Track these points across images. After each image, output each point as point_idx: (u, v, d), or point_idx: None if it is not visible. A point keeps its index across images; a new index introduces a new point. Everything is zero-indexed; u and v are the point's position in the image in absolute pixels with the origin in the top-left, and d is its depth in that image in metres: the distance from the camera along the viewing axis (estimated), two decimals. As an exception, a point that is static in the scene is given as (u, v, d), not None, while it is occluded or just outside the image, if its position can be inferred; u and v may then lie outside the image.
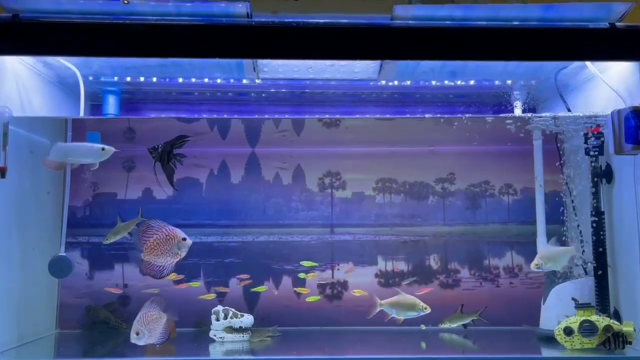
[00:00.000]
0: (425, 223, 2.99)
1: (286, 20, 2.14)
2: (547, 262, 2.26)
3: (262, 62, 2.58)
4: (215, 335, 2.45)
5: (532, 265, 2.35)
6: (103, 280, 2.87)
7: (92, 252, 2.90)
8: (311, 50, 2.19)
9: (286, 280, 2.92)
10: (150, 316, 2.14)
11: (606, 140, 2.43)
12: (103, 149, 2.28)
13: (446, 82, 2.86)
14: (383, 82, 2.84)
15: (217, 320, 2.46)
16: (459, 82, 2.87)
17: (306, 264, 2.81)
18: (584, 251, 2.57)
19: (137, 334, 2.11)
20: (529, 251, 2.85)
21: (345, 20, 2.17)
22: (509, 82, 2.85)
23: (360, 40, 2.16)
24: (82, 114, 2.53)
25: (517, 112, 2.83)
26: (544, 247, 2.72)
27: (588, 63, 2.44)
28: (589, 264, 2.46)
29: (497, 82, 2.86)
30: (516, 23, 2.20)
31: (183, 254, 2.10)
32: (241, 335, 2.45)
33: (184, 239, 2.10)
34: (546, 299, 2.53)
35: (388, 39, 2.17)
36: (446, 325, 2.43)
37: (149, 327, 2.11)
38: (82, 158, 2.30)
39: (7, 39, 2.06)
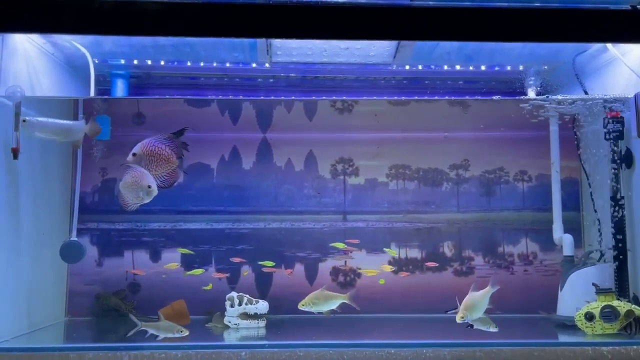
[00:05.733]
0: (439, 210, 2.96)
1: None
2: (471, 313, 2.05)
3: (276, 44, 2.54)
4: (229, 322, 2.41)
5: (458, 319, 2.06)
6: (113, 267, 2.83)
7: (101, 238, 2.85)
8: (329, 30, 2.14)
9: (298, 267, 2.88)
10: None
11: (627, 123, 2.41)
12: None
13: (461, 67, 2.82)
14: (397, 67, 2.79)
15: (232, 306, 2.42)
16: (472, 68, 2.83)
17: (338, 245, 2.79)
18: (601, 238, 2.55)
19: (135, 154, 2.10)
20: (544, 238, 2.84)
21: (365, 0, 2.12)
22: (524, 67, 2.81)
23: (379, 20, 2.12)
24: (92, 93, 2.48)
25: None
26: (559, 234, 2.71)
27: (609, 45, 2.42)
28: (608, 250, 2.43)
29: (512, 68, 2.82)
30: (537, 4, 2.16)
31: (146, 201, 2.08)
32: (256, 321, 2.41)
33: (149, 187, 2.06)
34: (564, 286, 2.50)
35: (408, 19, 2.13)
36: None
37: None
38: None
39: (18, 17, 1.99)
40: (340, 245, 2.78)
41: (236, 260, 2.78)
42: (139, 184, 2.04)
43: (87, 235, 2.81)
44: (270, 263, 2.76)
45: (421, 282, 2.88)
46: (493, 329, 2.08)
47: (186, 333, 2.11)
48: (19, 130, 2.05)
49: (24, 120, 2.11)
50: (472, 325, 2.07)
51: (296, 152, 2.97)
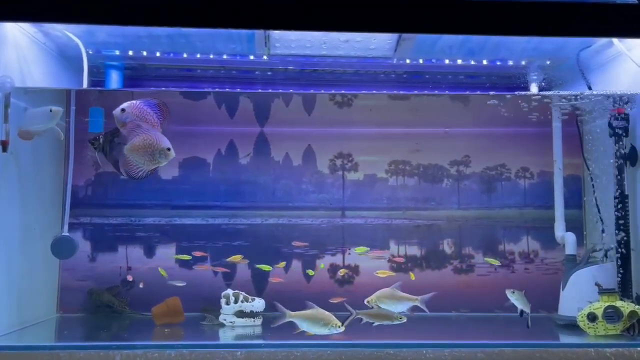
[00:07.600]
0: (439, 207, 2.91)
1: (304, -11, 2.03)
2: (381, 302, 2.09)
3: (275, 36, 2.48)
4: (225, 320, 2.37)
5: (365, 301, 2.13)
6: (106, 262, 2.77)
7: (94, 233, 2.79)
8: (329, 21, 2.08)
9: (296, 264, 2.83)
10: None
11: (632, 120, 2.36)
12: (51, 110, 2.11)
13: (462, 62, 2.77)
14: (397, 60, 2.74)
15: (227, 304, 2.37)
16: (473, 63, 2.78)
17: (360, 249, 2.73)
18: (604, 236, 2.51)
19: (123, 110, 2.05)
20: (546, 236, 2.80)
21: (366, -9, 2.06)
22: (527, 62, 2.76)
23: (380, 11, 2.06)
24: (85, 85, 2.42)
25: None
26: (561, 232, 2.67)
27: (615, 40, 2.37)
28: (612, 249, 2.39)
29: (514, 63, 2.77)
30: (542, -3, 2.11)
31: (162, 164, 2.00)
32: (252, 319, 2.36)
33: (168, 149, 1.98)
34: (566, 285, 2.46)
35: (410, 11, 2.07)
36: None
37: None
38: (34, 124, 2.12)
39: (8, 4, 1.93)
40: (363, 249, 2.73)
41: (198, 254, 2.71)
42: (155, 146, 1.95)
43: (79, 230, 2.76)
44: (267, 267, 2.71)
45: (420, 280, 2.84)
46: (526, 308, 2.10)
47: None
48: (8, 122, 1.99)
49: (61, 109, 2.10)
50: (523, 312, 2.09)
51: (294, 146, 2.91)
